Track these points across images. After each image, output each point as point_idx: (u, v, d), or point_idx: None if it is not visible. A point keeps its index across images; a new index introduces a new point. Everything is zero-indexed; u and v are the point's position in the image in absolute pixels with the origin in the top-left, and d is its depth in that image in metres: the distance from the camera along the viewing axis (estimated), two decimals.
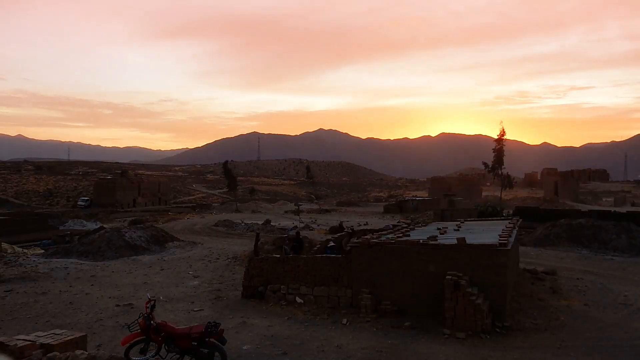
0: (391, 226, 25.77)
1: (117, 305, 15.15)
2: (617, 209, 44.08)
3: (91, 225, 47.27)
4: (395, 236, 15.35)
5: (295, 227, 41.64)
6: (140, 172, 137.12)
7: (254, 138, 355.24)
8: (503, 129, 77.66)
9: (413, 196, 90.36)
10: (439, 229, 18.08)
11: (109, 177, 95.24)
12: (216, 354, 9.27)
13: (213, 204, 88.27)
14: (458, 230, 18.17)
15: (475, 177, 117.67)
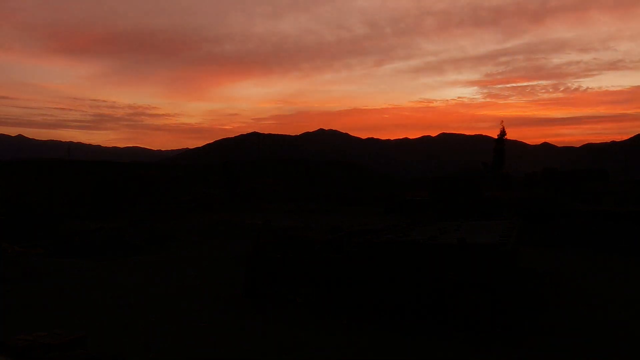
0: (391, 226, 25.75)
1: (117, 306, 15.16)
2: (618, 209, 44.09)
3: (91, 225, 47.29)
4: (395, 236, 15.36)
5: (296, 227, 41.64)
6: (140, 172, 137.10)
7: (254, 138, 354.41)
8: (503, 128, 77.90)
9: (413, 196, 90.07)
10: (439, 229, 18.09)
11: (109, 177, 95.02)
12: None
13: (213, 204, 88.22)
14: (458, 230, 18.17)
15: (475, 177, 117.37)
